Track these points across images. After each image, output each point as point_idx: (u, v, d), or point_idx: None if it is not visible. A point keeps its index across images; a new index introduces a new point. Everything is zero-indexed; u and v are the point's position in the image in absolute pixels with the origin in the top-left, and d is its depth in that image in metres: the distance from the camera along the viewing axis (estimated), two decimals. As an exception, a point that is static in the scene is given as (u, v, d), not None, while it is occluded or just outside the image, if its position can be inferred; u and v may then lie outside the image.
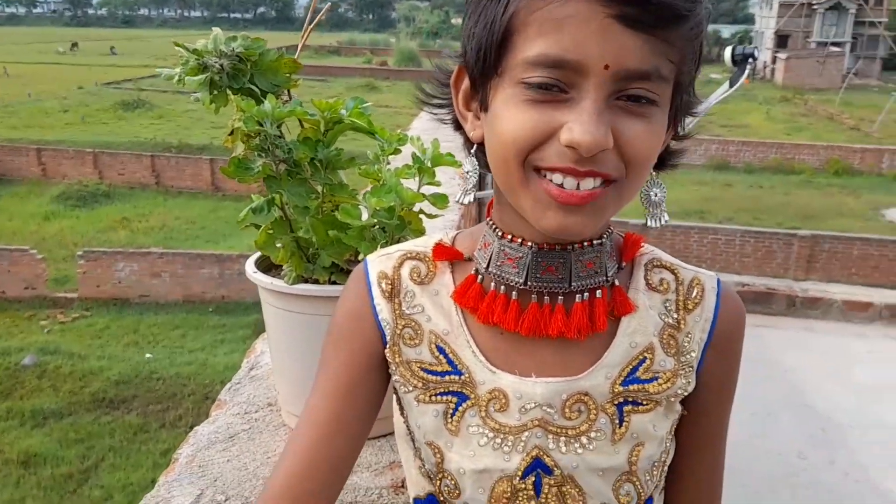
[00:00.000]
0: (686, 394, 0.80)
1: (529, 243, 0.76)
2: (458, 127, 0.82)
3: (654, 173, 0.78)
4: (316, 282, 1.22)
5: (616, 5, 0.63)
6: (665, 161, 0.81)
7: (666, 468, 0.84)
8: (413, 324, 0.81)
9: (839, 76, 40.62)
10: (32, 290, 16.35)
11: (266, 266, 1.31)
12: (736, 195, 22.19)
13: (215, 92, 1.15)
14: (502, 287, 0.78)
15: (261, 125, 1.12)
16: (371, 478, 1.23)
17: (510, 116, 0.69)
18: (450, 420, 0.79)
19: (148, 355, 13.87)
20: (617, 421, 0.78)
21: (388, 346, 0.82)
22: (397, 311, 0.82)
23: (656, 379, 0.79)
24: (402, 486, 1.23)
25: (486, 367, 0.78)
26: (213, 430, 1.36)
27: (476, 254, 0.81)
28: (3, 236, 19.31)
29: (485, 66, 0.71)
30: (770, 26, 50.32)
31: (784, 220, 19.04)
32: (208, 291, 16.31)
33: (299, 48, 1.25)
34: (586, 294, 0.77)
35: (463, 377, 0.79)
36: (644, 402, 0.78)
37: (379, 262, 0.85)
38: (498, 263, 0.78)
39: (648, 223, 0.79)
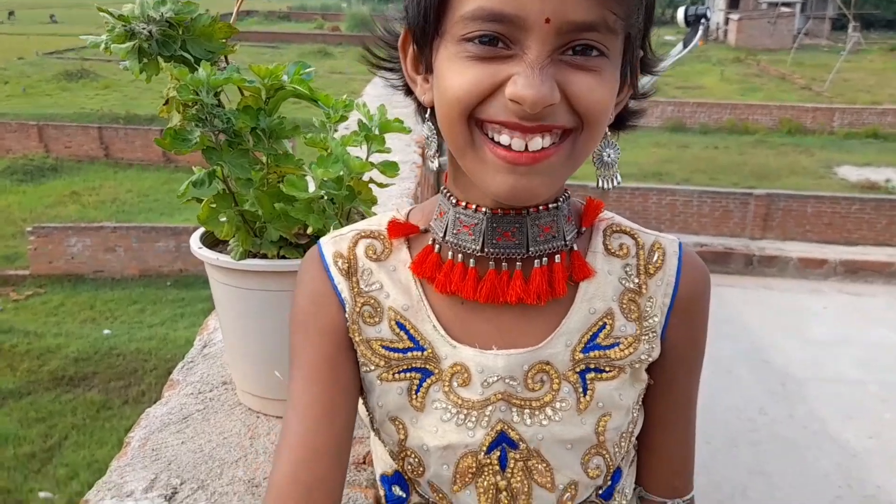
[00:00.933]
0: (651, 359, 0.80)
1: (484, 209, 0.75)
2: (410, 92, 0.79)
3: (608, 133, 0.76)
4: (264, 256, 1.17)
5: None
6: (623, 121, 0.79)
7: (634, 439, 0.84)
8: (372, 301, 0.80)
9: (790, 36, 41.05)
10: (-19, 269, 15.91)
11: (212, 241, 1.26)
12: (692, 156, 22.40)
13: (145, 60, 1.09)
14: (459, 255, 0.77)
15: (196, 94, 1.06)
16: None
17: (453, 74, 0.67)
18: (414, 396, 0.78)
19: (106, 331, 13.63)
20: (581, 389, 0.77)
21: (348, 324, 0.80)
22: (355, 290, 0.80)
23: (617, 345, 0.78)
24: (364, 462, 1.21)
25: (447, 341, 0.77)
26: (165, 412, 1.32)
27: (432, 224, 0.80)
28: (-52, 215, 18.70)
29: (426, 25, 0.69)
30: (723, -14, 50.52)
31: (740, 180, 19.29)
32: (165, 265, 16.03)
33: (235, 12, 1.18)
34: (545, 259, 0.76)
35: (426, 352, 0.78)
36: (607, 369, 0.77)
37: (333, 242, 0.83)
38: (454, 231, 0.77)
39: (599, 184, 0.77)
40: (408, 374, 0.79)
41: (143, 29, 1.03)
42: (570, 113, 0.67)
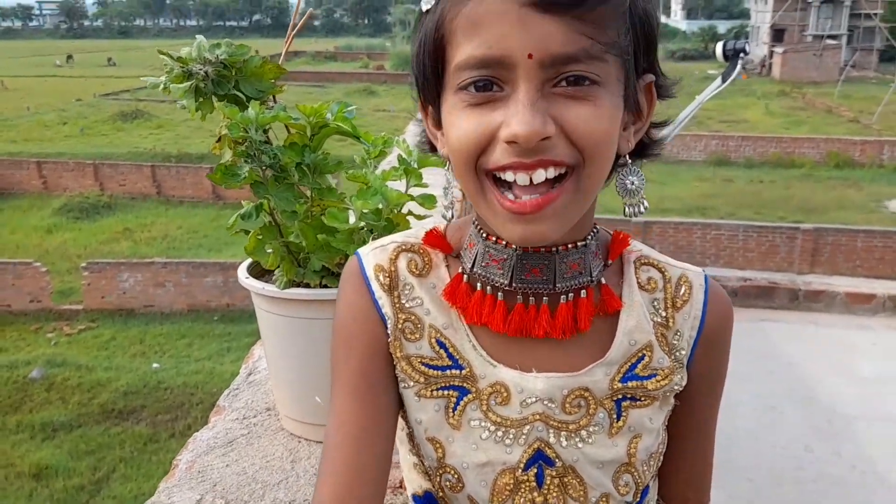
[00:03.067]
0: (680, 388, 0.82)
1: (514, 245, 0.76)
2: (434, 149, 0.82)
3: (629, 161, 0.77)
4: (307, 286, 1.23)
5: None
6: (646, 149, 0.80)
7: (661, 458, 0.85)
8: (413, 317, 0.81)
9: (836, 69, 40.53)
10: (38, 302, 16.39)
11: (258, 272, 1.32)
12: (737, 190, 22.14)
13: (200, 99, 1.16)
14: (488, 287, 0.78)
15: (246, 131, 1.13)
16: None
17: (454, 125, 0.70)
18: (451, 415, 0.79)
19: (155, 365, 13.89)
20: (615, 416, 0.79)
21: (390, 340, 0.81)
22: (397, 305, 0.81)
23: (654, 376, 0.80)
24: (401, 487, 1.24)
25: (487, 360, 0.79)
26: (211, 436, 1.37)
27: (462, 253, 0.82)
28: (7, 250, 19.35)
29: (427, 83, 0.73)
30: (765, 21, 50.26)
31: (786, 214, 18.99)
32: (213, 300, 16.34)
33: (283, 54, 1.25)
34: (570, 295, 0.78)
35: (464, 371, 0.79)
36: (642, 398, 0.80)
37: (373, 255, 0.83)
38: (483, 264, 0.79)
39: (626, 213, 0.78)
40: (445, 392, 0.79)
41: (200, 70, 1.10)
42: (569, 147, 0.68)
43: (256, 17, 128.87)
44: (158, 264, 16.60)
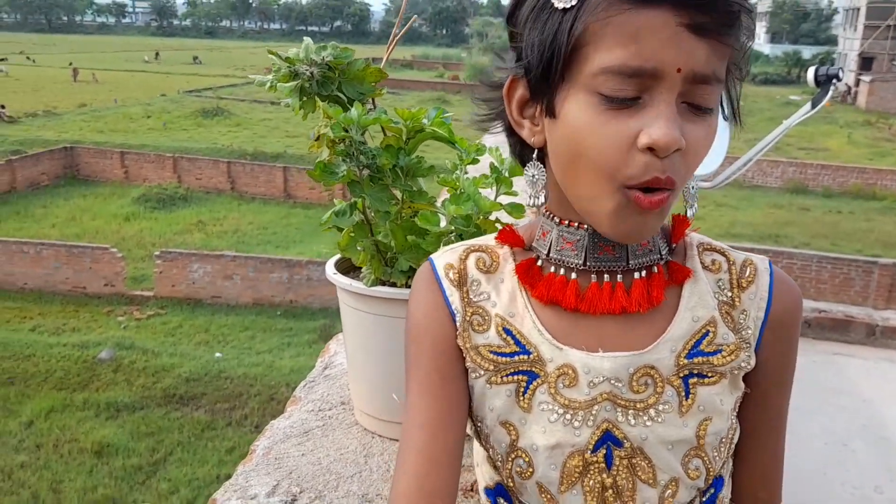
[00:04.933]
0: (748, 368, 0.82)
1: (586, 226, 0.80)
2: (512, 133, 0.85)
3: None
4: (393, 285, 1.25)
5: (686, 14, 0.67)
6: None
7: (733, 446, 0.85)
8: (480, 310, 0.84)
9: (928, 100, 38.93)
10: (111, 287, 17.05)
11: (345, 269, 1.35)
12: (813, 220, 21.49)
13: (304, 98, 1.20)
14: (562, 270, 0.82)
15: (346, 131, 1.16)
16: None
17: (588, 128, 0.72)
18: (522, 398, 0.81)
19: (217, 354, 14.27)
20: (683, 393, 0.80)
21: (458, 332, 0.84)
22: (465, 300, 0.84)
23: (720, 352, 0.81)
24: (472, 490, 1.25)
25: (554, 343, 0.81)
26: (288, 425, 1.41)
27: (535, 244, 0.85)
28: (87, 235, 20.19)
29: (552, 74, 0.74)
30: (854, 48, 48.70)
31: (864, 248, 18.34)
32: (277, 295, 16.70)
33: (385, 58, 1.29)
34: (643, 272, 0.81)
35: (531, 356, 0.81)
36: (709, 375, 0.80)
37: (444, 256, 0.88)
38: (558, 248, 0.82)
39: (688, 213, 0.83)
40: (514, 377, 0.82)
41: (306, 70, 1.14)
42: (683, 165, 0.72)
43: (338, 23, 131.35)
44: (228, 257, 17.07)
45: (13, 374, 13.43)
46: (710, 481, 0.83)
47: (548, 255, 0.83)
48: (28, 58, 59.17)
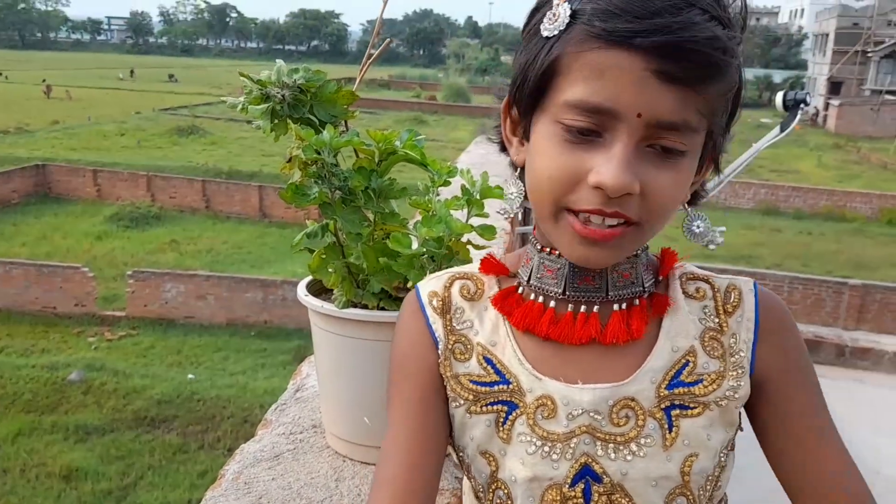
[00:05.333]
0: (738, 398, 0.80)
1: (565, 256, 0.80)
2: (504, 149, 0.87)
3: (689, 209, 0.82)
4: (365, 307, 1.25)
5: (655, 60, 0.67)
6: (698, 198, 0.85)
7: (721, 486, 0.83)
8: (463, 339, 0.85)
9: (894, 124, 39.80)
10: (82, 307, 16.78)
11: (316, 290, 1.35)
12: (785, 241, 21.79)
13: (276, 121, 1.20)
14: (541, 297, 0.82)
15: (318, 154, 1.16)
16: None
17: (547, 155, 0.74)
18: (501, 428, 0.81)
19: (190, 376, 14.07)
20: (666, 426, 0.79)
21: (440, 360, 0.85)
22: (448, 327, 0.85)
23: (701, 381, 0.80)
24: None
25: (533, 374, 0.81)
26: (258, 449, 1.39)
27: (519, 270, 0.86)
28: (58, 253, 19.89)
29: (528, 99, 0.76)
30: (823, 73, 49.74)
31: (834, 269, 18.60)
32: (251, 315, 16.54)
33: (357, 81, 1.29)
34: (624, 304, 0.81)
35: (511, 386, 0.81)
36: (692, 406, 0.79)
37: (429, 284, 0.89)
38: (538, 276, 0.83)
39: (710, 248, 0.82)
40: (494, 407, 0.82)
41: (278, 93, 1.14)
42: (643, 207, 0.72)
43: (315, 42, 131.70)
44: (201, 277, 16.90)
45: (-21, 396, 13.14)
46: None
47: (528, 281, 0.84)
48: (0, 73, 58.53)
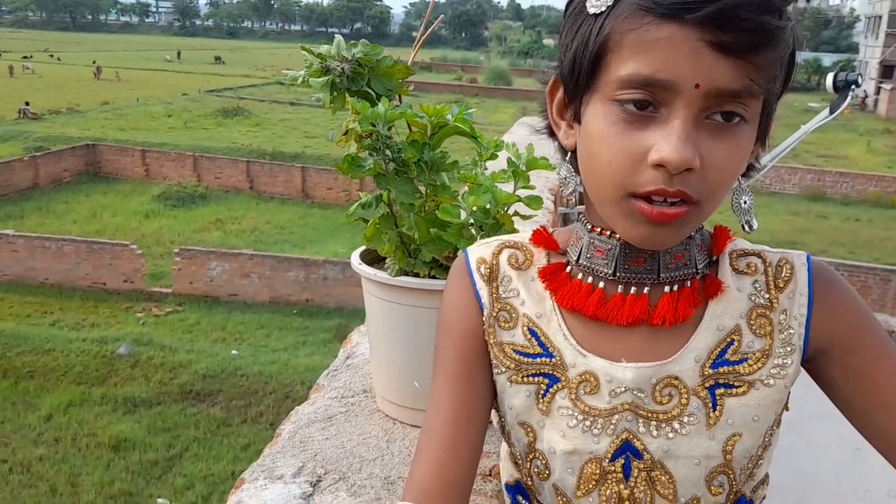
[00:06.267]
0: (787, 376, 0.79)
1: (618, 236, 0.79)
2: (552, 134, 0.84)
3: (742, 181, 0.79)
4: (416, 275, 1.29)
5: (709, 31, 0.65)
6: (751, 170, 0.83)
7: (763, 464, 0.82)
8: (508, 307, 0.85)
9: (951, 109, 38.51)
10: (130, 283, 17.23)
11: (369, 260, 1.40)
12: (831, 227, 21.34)
13: (335, 93, 1.25)
14: (590, 278, 0.81)
15: (373, 126, 1.21)
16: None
17: (604, 138, 0.72)
18: (541, 400, 0.82)
19: (234, 352, 14.37)
20: (710, 405, 0.78)
21: (485, 327, 0.85)
22: (494, 295, 0.85)
23: (745, 360, 0.79)
24: (490, 475, 1.29)
25: (578, 349, 0.81)
26: (312, 411, 1.45)
27: (569, 249, 0.85)
28: (107, 231, 20.41)
29: (578, 80, 0.74)
30: (875, 56, 48.26)
31: (882, 256, 18.19)
32: (293, 294, 16.80)
33: (412, 55, 1.34)
34: (675, 286, 0.79)
35: (554, 360, 0.81)
36: (736, 385, 0.78)
37: (478, 250, 0.89)
38: (588, 255, 0.82)
39: (745, 229, 0.80)
40: (535, 379, 0.82)
41: (338, 66, 1.19)
42: (702, 182, 0.70)
43: (358, 24, 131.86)
44: (245, 256, 17.19)
45: (33, 367, 13.61)
46: (733, 499, 0.80)
47: (577, 260, 0.83)
48: (51, 55, 59.83)
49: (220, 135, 30.66)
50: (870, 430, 0.78)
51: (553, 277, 0.83)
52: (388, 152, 1.22)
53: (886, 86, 42.73)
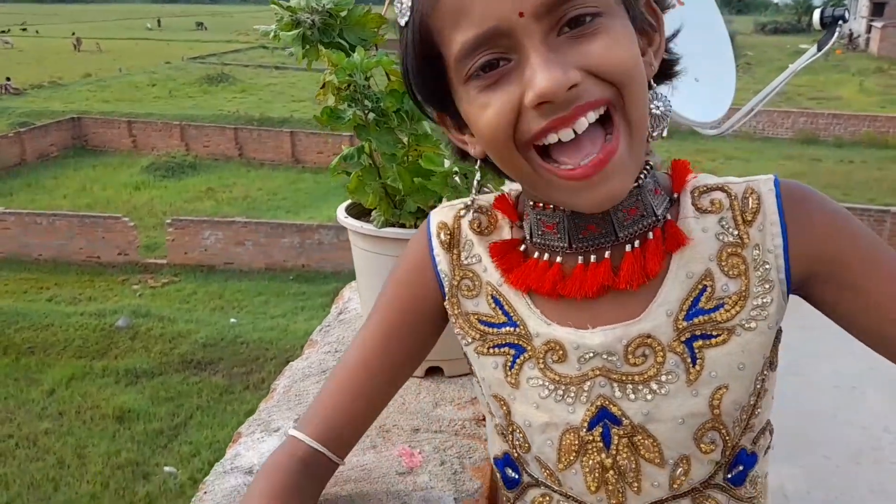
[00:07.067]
0: (769, 316, 0.73)
1: (562, 207, 0.74)
2: (464, 156, 0.80)
3: (654, 85, 0.74)
4: (402, 226, 1.29)
5: None
6: (668, 69, 0.77)
7: (757, 412, 0.77)
8: (471, 274, 0.82)
9: (942, 45, 38.24)
10: (125, 255, 17.22)
11: (355, 214, 1.40)
12: (825, 170, 21.36)
13: (307, 46, 1.23)
14: (546, 254, 0.77)
15: (350, 76, 1.19)
16: (454, 410, 1.30)
17: (477, 114, 0.67)
18: (509, 372, 0.79)
19: (232, 320, 14.43)
20: (689, 359, 0.72)
21: (446, 298, 0.83)
22: (455, 262, 0.83)
23: (722, 306, 0.73)
24: (483, 420, 1.31)
25: (541, 318, 0.77)
26: (306, 365, 1.46)
27: (524, 224, 0.80)
28: (98, 204, 20.32)
29: (434, 93, 0.72)
30: (867, -8, 47.76)
31: (876, 197, 18.24)
32: (289, 260, 16.82)
33: (386, 4, 1.31)
34: (637, 242, 0.74)
35: (518, 329, 0.78)
36: (714, 334, 0.72)
37: (441, 213, 0.86)
38: (539, 233, 0.77)
39: (651, 137, 0.73)
40: (501, 349, 0.79)
41: (308, 18, 1.17)
42: (599, 84, 0.64)
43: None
44: (239, 223, 17.17)
45: (33, 343, 13.66)
46: (730, 454, 0.76)
47: (531, 239, 0.78)
48: (23, 29, 58.81)
49: (205, 102, 30.36)
50: (884, 347, 0.72)
51: (505, 257, 0.80)
52: (366, 103, 1.20)
53: (877, 23, 42.35)
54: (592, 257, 0.74)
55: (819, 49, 3.34)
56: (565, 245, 0.75)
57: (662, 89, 0.76)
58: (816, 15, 3.28)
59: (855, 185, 19.95)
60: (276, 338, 13.72)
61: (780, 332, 0.77)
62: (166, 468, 10.55)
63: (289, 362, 1.55)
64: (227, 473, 1.11)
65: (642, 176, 0.73)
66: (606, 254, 0.74)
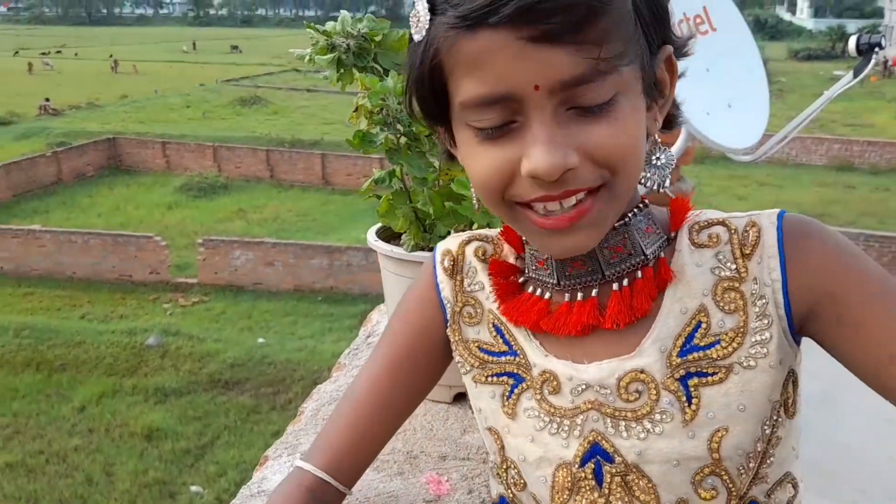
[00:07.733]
0: (770, 353, 0.70)
1: None
2: (452, 158, 0.79)
3: (657, 139, 0.73)
4: (432, 250, 1.29)
5: (522, 27, 0.59)
6: (674, 119, 0.76)
7: (771, 461, 0.73)
8: (473, 301, 0.82)
9: (981, 71, 37.57)
10: (156, 274, 17.42)
11: (385, 237, 1.40)
12: (860, 198, 21.00)
13: (342, 70, 1.24)
14: (539, 289, 0.78)
15: (383, 101, 1.20)
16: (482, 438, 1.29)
17: (473, 160, 0.68)
18: (506, 402, 0.79)
19: (260, 340, 14.50)
20: (684, 398, 0.70)
21: (448, 325, 0.84)
22: (458, 288, 0.83)
23: (718, 342, 0.71)
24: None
25: (539, 349, 0.77)
26: (334, 388, 1.46)
27: (525, 256, 0.81)
28: (131, 224, 20.63)
29: (433, 112, 0.71)
30: (903, 18, 47.25)
31: (913, 225, 17.89)
32: (318, 281, 16.89)
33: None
34: (625, 281, 0.73)
35: (518, 358, 0.78)
36: (710, 372, 0.70)
37: (447, 242, 0.88)
38: (533, 268, 0.79)
39: (644, 184, 0.72)
40: (500, 379, 0.79)
41: (343, 42, 1.18)
42: (596, 170, 0.64)
43: (372, 8, 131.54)
44: (268, 244, 17.30)
45: (65, 360, 13.83)
46: None
47: (528, 273, 0.80)
48: (58, 51, 60.30)
49: (238, 124, 30.79)
50: (884, 387, 0.68)
51: (502, 284, 0.80)
52: (398, 127, 1.21)
53: (912, 50, 41.81)
54: (579, 295, 0.75)
55: (855, 76, 3.30)
56: (554, 282, 0.76)
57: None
58: (852, 42, 3.24)
59: (891, 212, 19.57)
60: (304, 359, 13.75)
61: (795, 376, 0.74)
62: (193, 487, 10.58)
63: (315, 384, 1.55)
64: (253, 497, 1.10)
65: (630, 215, 0.73)
66: (594, 292, 0.74)
